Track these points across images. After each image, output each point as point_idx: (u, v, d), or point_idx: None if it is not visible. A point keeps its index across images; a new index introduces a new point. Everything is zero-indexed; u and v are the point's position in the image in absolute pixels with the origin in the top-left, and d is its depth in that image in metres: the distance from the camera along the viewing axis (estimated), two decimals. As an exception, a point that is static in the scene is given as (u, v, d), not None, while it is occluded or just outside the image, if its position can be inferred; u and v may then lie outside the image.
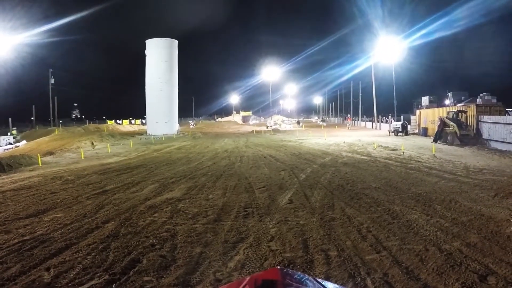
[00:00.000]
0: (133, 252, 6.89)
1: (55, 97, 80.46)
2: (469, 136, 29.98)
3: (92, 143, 36.14)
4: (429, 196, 11.16)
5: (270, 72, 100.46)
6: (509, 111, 35.80)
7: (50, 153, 29.56)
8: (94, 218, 9.37)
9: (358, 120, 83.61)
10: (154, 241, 7.55)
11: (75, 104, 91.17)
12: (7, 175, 18.31)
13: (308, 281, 1.82)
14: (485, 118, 29.98)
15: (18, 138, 44.63)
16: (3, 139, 42.33)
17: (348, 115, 75.03)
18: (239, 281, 1.80)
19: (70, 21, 66.60)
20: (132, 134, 56.09)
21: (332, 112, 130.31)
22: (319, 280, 1.87)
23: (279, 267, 1.98)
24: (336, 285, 1.90)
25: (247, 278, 1.81)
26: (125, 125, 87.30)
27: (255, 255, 6.68)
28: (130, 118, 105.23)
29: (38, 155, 24.57)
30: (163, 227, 8.54)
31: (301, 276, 1.88)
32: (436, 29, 67.62)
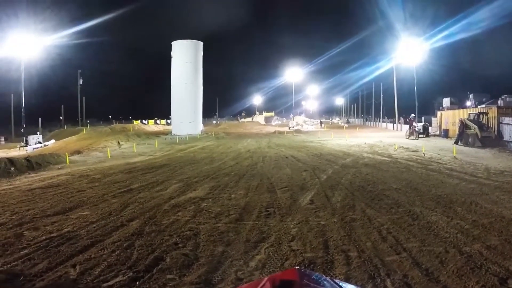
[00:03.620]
0: (157, 250, 7.00)
1: (83, 97, 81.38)
2: (490, 138, 29.75)
3: (119, 143, 36.47)
4: (450, 198, 11.13)
5: (293, 73, 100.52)
6: None
7: (78, 152, 29.98)
8: (119, 216, 9.54)
9: (379, 121, 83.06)
10: (177, 239, 7.65)
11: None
12: (36, 173, 18.62)
13: (325, 282, 1.83)
14: (507, 119, 29.72)
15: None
16: (33, 138, 42.88)
17: (412, 115, 48.26)
18: (258, 281, 1.85)
19: (97, 23, 67.27)
20: (157, 134, 56.24)
21: (354, 113, 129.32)
22: (337, 281, 1.90)
23: (297, 267, 2.05)
24: (354, 286, 1.97)
25: (265, 278, 1.87)
26: (151, 125, 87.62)
27: (276, 255, 6.74)
28: (156, 118, 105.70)
29: (66, 154, 24.93)
30: (186, 226, 8.64)
31: (319, 277, 1.90)
32: (457, 30, 66.68)
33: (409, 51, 55.57)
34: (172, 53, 60.58)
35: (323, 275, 1.94)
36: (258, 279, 2.00)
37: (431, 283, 5.57)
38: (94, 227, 8.56)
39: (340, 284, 1.87)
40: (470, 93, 45.16)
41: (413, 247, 7.02)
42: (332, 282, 1.87)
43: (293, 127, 76.27)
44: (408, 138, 37.41)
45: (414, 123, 40.13)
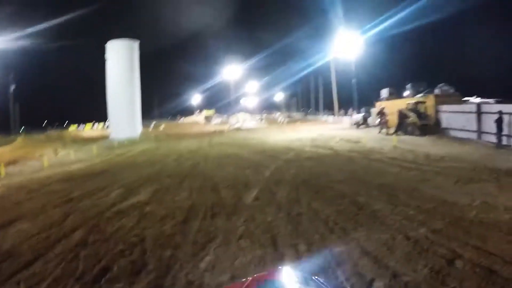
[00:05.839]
0: (103, 259, 6.83)
1: (16, 104, 78.69)
2: (429, 126, 30.64)
3: (55, 150, 35.54)
4: (393, 186, 11.44)
5: (232, 70, 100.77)
6: (467, 100, 36.59)
7: (13, 162, 28.98)
8: (61, 227, 9.21)
9: (319, 114, 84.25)
10: (123, 247, 7.48)
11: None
12: (-32, 187, 17.91)
13: (310, 281, 1.86)
14: (444, 107, 30.83)
15: None
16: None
17: (383, 105, 40.13)
18: (242, 283, 1.84)
19: (31, 26, 65.22)
20: (95, 139, 55.04)
21: (294, 107, 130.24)
22: (322, 280, 1.92)
23: (282, 267, 2.04)
24: (339, 285, 1.97)
25: (250, 279, 1.85)
26: (88, 130, 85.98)
27: (225, 255, 6.73)
28: (93, 121, 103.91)
29: (1, 164, 24.11)
30: (131, 232, 8.47)
31: (304, 275, 1.92)
32: (394, 24, 68.28)
33: (348, 44, 56.43)
34: (107, 54, 58.34)
35: (309, 274, 1.95)
36: (241, 281, 1.97)
37: (381, 269, 5.69)
38: (36, 240, 8.25)
39: (325, 283, 1.89)
40: (408, 83, 46.24)
41: (361, 236, 7.16)
42: (317, 281, 1.89)
43: (234, 124, 76.28)
44: (380, 132, 34.68)
45: (385, 115, 36.01)
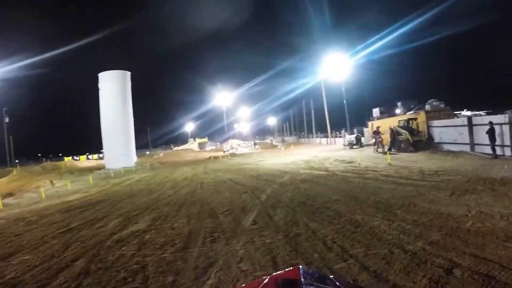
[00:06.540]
0: (107, 287, 6.91)
1: (11, 136, 78.35)
2: (422, 142, 30.97)
3: (51, 182, 35.26)
4: (389, 202, 11.55)
5: (224, 97, 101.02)
6: (457, 113, 36.92)
7: (10, 194, 28.72)
8: (62, 257, 9.23)
9: (312, 137, 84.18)
10: (125, 274, 7.51)
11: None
12: (-33, 221, 17.84)
13: (328, 280, 1.92)
14: (435, 122, 31.27)
15: None
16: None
17: (377, 125, 39.58)
18: (260, 280, 1.92)
19: (24, 59, 65.10)
20: (90, 170, 54.56)
21: (287, 131, 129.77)
22: (340, 279, 2.00)
23: (300, 266, 2.12)
24: (356, 284, 2.08)
25: (268, 277, 1.94)
26: (83, 161, 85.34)
27: (226, 277, 6.76)
28: (87, 153, 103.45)
29: (-1, 196, 24.04)
30: (132, 259, 8.49)
31: (322, 275, 2.00)
32: (381, 46, 68.81)
33: (338, 67, 56.63)
34: (99, 85, 57.82)
35: (326, 274, 2.03)
36: (260, 278, 2.06)
37: (381, 283, 5.74)
38: (38, 271, 8.25)
39: (343, 282, 1.97)
40: (398, 101, 46.21)
41: (359, 253, 7.22)
42: (334, 280, 1.95)
43: (227, 150, 76.10)
44: (377, 152, 34.36)
45: (380, 134, 35.34)
